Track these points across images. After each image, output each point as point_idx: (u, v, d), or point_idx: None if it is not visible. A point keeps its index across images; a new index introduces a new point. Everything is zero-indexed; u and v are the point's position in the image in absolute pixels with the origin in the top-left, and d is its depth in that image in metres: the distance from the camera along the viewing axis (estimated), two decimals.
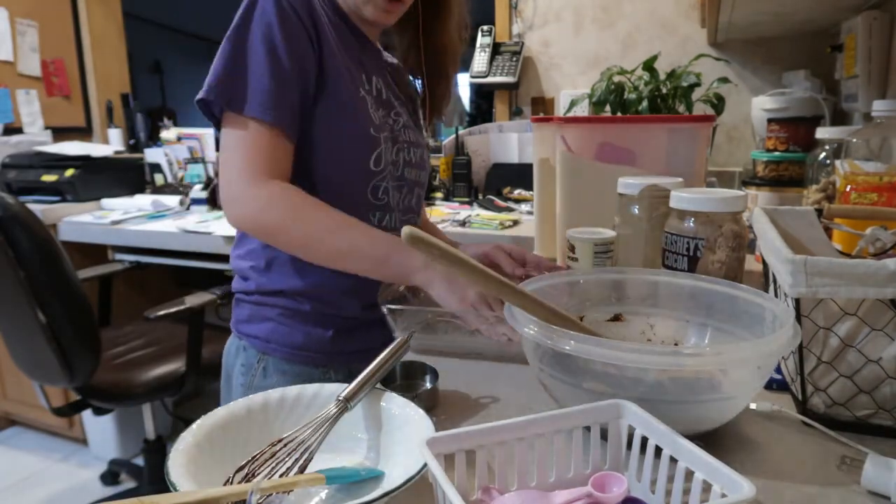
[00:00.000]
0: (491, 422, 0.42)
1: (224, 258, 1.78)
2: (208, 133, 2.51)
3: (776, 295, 0.61)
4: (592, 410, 0.44)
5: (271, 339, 0.87)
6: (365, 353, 0.79)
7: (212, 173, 2.33)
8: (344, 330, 0.88)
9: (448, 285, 0.71)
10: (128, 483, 2.08)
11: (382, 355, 0.60)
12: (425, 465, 0.37)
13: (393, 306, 0.75)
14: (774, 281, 0.61)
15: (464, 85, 2.62)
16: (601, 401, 0.45)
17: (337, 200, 0.79)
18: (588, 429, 0.45)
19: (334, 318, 0.87)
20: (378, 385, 0.58)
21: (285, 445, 0.48)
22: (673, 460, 0.40)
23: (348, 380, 0.85)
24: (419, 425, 0.52)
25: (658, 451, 0.42)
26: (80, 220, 2.02)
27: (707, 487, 0.37)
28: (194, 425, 0.52)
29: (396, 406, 0.56)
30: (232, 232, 1.72)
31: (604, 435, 0.45)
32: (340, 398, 0.54)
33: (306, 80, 0.78)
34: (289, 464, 0.47)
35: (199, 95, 0.76)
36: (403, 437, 0.53)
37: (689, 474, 0.38)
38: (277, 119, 0.75)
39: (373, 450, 0.55)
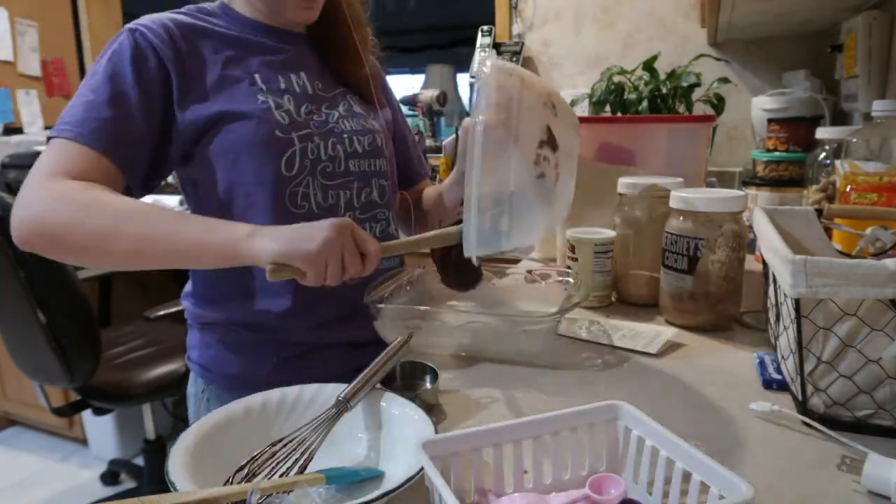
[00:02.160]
0: (490, 422, 0.42)
1: None
2: None
3: (776, 294, 0.61)
4: (589, 412, 0.44)
5: (212, 368, 0.83)
6: (313, 381, 0.71)
7: None
8: (292, 357, 0.81)
9: (291, 234, 0.62)
10: (128, 483, 2.08)
11: (382, 355, 0.60)
12: (423, 467, 0.37)
13: (380, 304, 0.75)
14: (774, 281, 0.61)
15: (464, 85, 2.62)
16: (598, 402, 0.45)
17: (250, 219, 0.74)
18: (585, 430, 0.44)
19: (279, 345, 0.80)
20: (378, 385, 0.58)
21: (285, 445, 0.48)
22: (670, 461, 0.40)
23: None
24: (419, 426, 0.52)
25: (655, 452, 0.41)
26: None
27: (705, 489, 0.37)
28: (194, 426, 0.52)
29: (396, 406, 0.56)
30: None
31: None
32: (340, 398, 0.54)
33: (153, 116, 0.74)
34: (289, 464, 0.47)
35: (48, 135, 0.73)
36: (403, 437, 0.53)
37: (687, 476, 0.38)
38: (97, 144, 0.69)
39: (373, 450, 0.55)
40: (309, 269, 0.61)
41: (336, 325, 0.83)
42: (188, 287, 0.86)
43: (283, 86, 0.81)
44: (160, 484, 1.87)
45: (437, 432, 0.50)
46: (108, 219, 0.65)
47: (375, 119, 0.90)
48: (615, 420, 0.44)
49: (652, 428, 0.41)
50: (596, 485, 0.41)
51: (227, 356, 0.82)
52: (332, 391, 0.58)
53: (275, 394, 0.58)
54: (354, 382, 0.56)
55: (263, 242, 0.62)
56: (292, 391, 0.59)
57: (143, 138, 0.74)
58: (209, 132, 0.76)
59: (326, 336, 0.82)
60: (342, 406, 0.53)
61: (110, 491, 2.06)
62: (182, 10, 0.82)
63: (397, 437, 0.54)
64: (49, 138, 0.72)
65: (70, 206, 0.65)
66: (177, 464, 0.46)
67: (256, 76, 0.80)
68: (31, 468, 2.19)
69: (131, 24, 0.76)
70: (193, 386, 0.86)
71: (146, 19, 0.77)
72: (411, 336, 0.64)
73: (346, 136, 0.84)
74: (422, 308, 0.75)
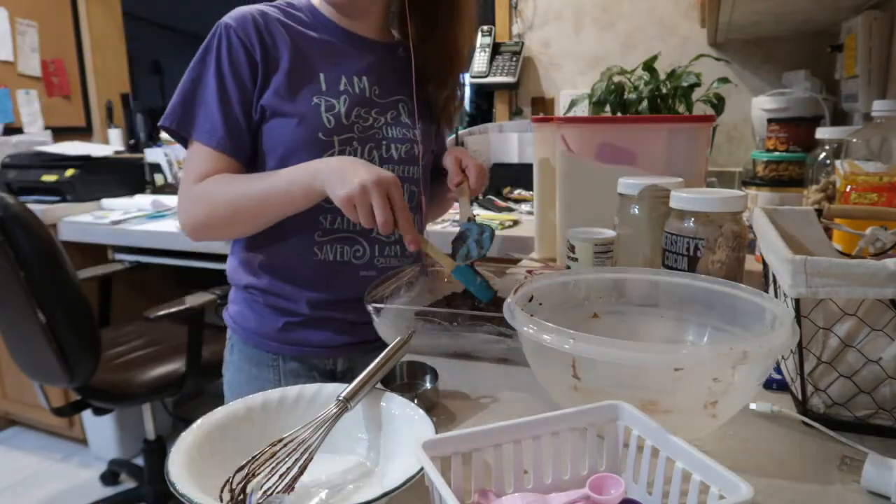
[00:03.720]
0: (491, 422, 0.42)
1: (224, 258, 1.78)
2: None
3: (776, 295, 0.61)
4: (589, 412, 0.44)
5: (237, 322, 0.97)
6: (315, 347, 0.94)
7: None
8: (293, 324, 0.93)
9: (340, 171, 0.76)
10: (128, 483, 2.09)
11: (382, 355, 0.59)
12: (423, 467, 0.37)
13: (378, 305, 0.76)
14: (774, 281, 0.61)
15: (465, 85, 2.62)
16: (598, 402, 0.45)
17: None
18: (585, 430, 0.44)
19: (284, 312, 0.93)
20: (378, 385, 0.58)
21: (285, 445, 0.48)
22: (670, 461, 0.40)
23: (299, 369, 0.95)
24: (419, 426, 0.52)
25: (655, 452, 0.41)
26: (80, 220, 2.02)
27: (705, 489, 0.37)
28: (194, 425, 0.52)
29: (397, 406, 0.56)
30: None
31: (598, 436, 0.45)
32: (340, 398, 0.54)
33: (250, 105, 0.88)
34: (289, 464, 0.47)
35: (160, 122, 0.88)
36: (403, 437, 0.52)
37: (687, 476, 0.38)
38: (221, 145, 0.86)
39: (373, 450, 0.55)
40: (341, 207, 0.74)
41: (334, 306, 0.93)
42: (231, 251, 1.00)
43: (342, 87, 0.90)
44: (160, 484, 1.88)
45: (437, 432, 0.50)
46: (228, 207, 0.84)
47: (420, 131, 0.97)
48: (615, 420, 0.44)
49: (652, 428, 0.41)
50: (596, 485, 0.41)
51: (251, 313, 0.95)
52: (332, 391, 0.58)
53: (275, 393, 0.58)
54: (355, 382, 0.56)
55: (323, 178, 0.77)
56: (292, 391, 0.59)
57: (244, 130, 0.88)
58: (263, 122, 0.88)
59: (319, 313, 0.92)
60: (342, 406, 0.53)
61: (110, 491, 2.06)
62: (273, 3, 0.92)
63: (397, 437, 0.54)
64: (178, 133, 0.89)
65: (204, 207, 0.86)
66: (177, 464, 0.46)
67: (321, 76, 0.89)
68: (32, 468, 2.19)
69: (225, 20, 0.87)
70: (228, 332, 1.01)
71: (236, 14, 0.87)
72: (411, 336, 0.64)
73: (384, 142, 0.93)
74: (422, 308, 0.75)
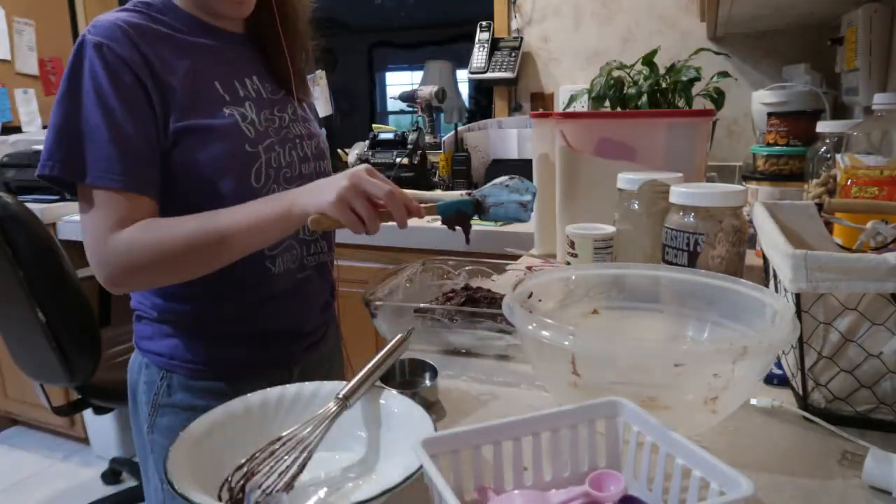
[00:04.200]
0: (490, 420, 0.42)
1: None
2: None
3: (776, 290, 0.61)
4: (588, 408, 0.43)
5: (175, 356, 0.83)
6: (279, 362, 0.88)
7: None
8: (258, 343, 0.85)
9: (317, 188, 0.70)
10: (129, 482, 2.09)
11: (382, 352, 0.59)
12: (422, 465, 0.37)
13: (377, 302, 0.76)
14: (775, 276, 0.61)
15: (462, 81, 2.62)
16: (598, 399, 0.44)
17: None
18: (584, 427, 0.44)
19: (247, 335, 0.84)
20: (378, 382, 0.58)
21: (284, 444, 0.48)
22: (670, 457, 0.40)
23: (258, 386, 0.83)
24: (419, 423, 0.52)
25: (655, 448, 0.41)
26: (79, 220, 2.01)
27: (705, 485, 0.37)
28: (193, 424, 0.52)
29: (396, 404, 0.56)
30: None
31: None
32: (339, 396, 0.53)
33: (149, 130, 0.74)
34: (288, 462, 0.47)
35: (38, 172, 0.73)
36: (403, 434, 0.52)
37: (687, 472, 0.38)
38: (125, 183, 0.72)
39: (372, 448, 0.55)
40: (339, 216, 0.68)
41: (292, 313, 0.88)
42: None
43: (241, 93, 0.81)
44: (160, 483, 1.88)
45: (436, 430, 0.50)
46: (183, 247, 0.72)
47: (314, 121, 0.93)
48: (615, 417, 0.44)
49: (651, 424, 0.41)
50: (596, 481, 0.41)
51: (196, 343, 0.83)
52: (331, 389, 0.58)
53: (274, 392, 0.58)
54: (354, 380, 0.55)
55: (304, 201, 0.70)
56: (291, 389, 0.59)
57: (147, 160, 0.74)
58: (179, 144, 0.76)
59: (287, 323, 0.87)
60: (341, 404, 0.53)
61: (112, 490, 2.06)
62: (130, 6, 0.79)
63: (397, 434, 0.54)
64: (65, 185, 0.75)
65: (146, 251, 0.72)
66: (176, 462, 0.46)
67: (216, 84, 0.79)
68: (33, 467, 2.20)
69: (92, 38, 0.72)
70: (146, 374, 0.85)
71: (103, 28, 0.72)
72: (410, 333, 0.63)
73: (297, 140, 0.86)
74: (420, 305, 0.75)
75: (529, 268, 0.90)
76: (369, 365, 0.57)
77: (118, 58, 0.72)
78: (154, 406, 0.85)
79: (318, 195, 0.69)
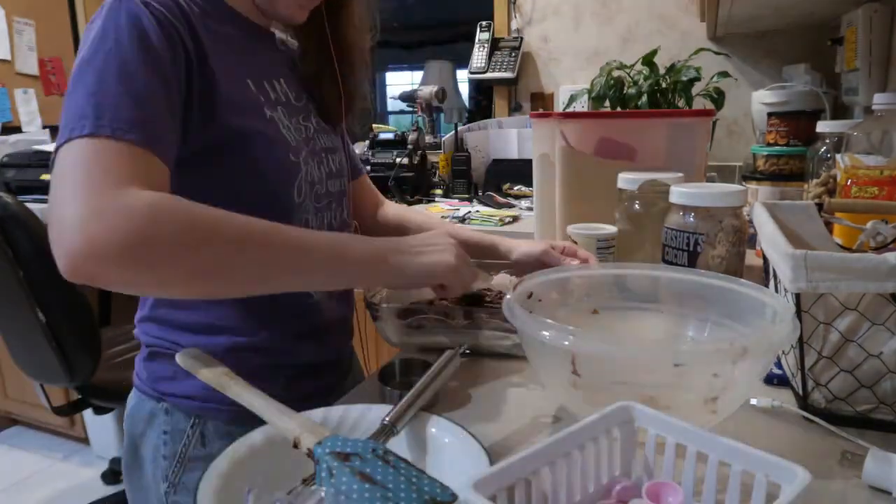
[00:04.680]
0: (490, 419, 0.41)
1: None
2: None
3: (776, 290, 0.61)
4: (603, 419, 0.41)
5: (209, 399, 0.68)
6: (321, 394, 0.73)
7: None
8: (296, 376, 0.75)
9: (418, 251, 0.61)
10: None
11: (429, 372, 0.55)
12: None
13: (375, 302, 0.74)
14: (775, 276, 0.61)
15: (462, 81, 2.62)
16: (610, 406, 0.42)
17: None
18: (603, 438, 0.42)
19: (285, 368, 0.74)
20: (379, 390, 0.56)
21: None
22: (702, 456, 0.38)
23: (349, 397, 0.78)
24: (473, 460, 0.46)
25: (682, 449, 0.39)
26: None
27: (749, 478, 0.35)
28: (228, 450, 0.47)
29: (448, 434, 0.50)
30: None
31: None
32: (385, 422, 0.49)
33: (177, 102, 0.59)
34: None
35: (59, 141, 0.53)
36: (455, 471, 0.47)
37: (726, 467, 0.36)
38: (143, 139, 0.53)
39: None
40: (454, 279, 0.62)
41: (334, 340, 0.82)
42: (156, 312, 0.72)
43: (272, 96, 0.72)
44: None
45: (490, 461, 0.46)
46: (227, 242, 0.51)
47: (336, 133, 0.85)
48: (631, 422, 0.42)
49: (672, 424, 0.39)
50: (653, 493, 0.39)
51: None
52: (377, 413, 0.52)
53: (317, 414, 0.53)
54: (400, 404, 0.51)
55: (406, 258, 0.60)
56: (335, 412, 0.53)
57: (170, 126, 0.58)
58: (227, 146, 0.65)
59: (328, 355, 0.80)
60: (387, 431, 0.48)
61: (112, 490, 2.06)
62: None
63: (448, 470, 0.47)
64: (82, 135, 0.52)
65: (176, 225, 0.49)
66: (207, 494, 0.42)
67: (249, 82, 0.69)
68: (33, 467, 2.20)
69: None
70: (165, 422, 0.71)
71: None
72: (459, 350, 0.60)
73: (324, 154, 0.78)
74: (422, 307, 0.74)
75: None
76: (416, 386, 0.53)
77: (158, 21, 0.58)
78: (181, 460, 0.71)
79: (428, 261, 0.61)
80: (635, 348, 0.46)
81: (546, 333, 0.48)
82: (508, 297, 0.56)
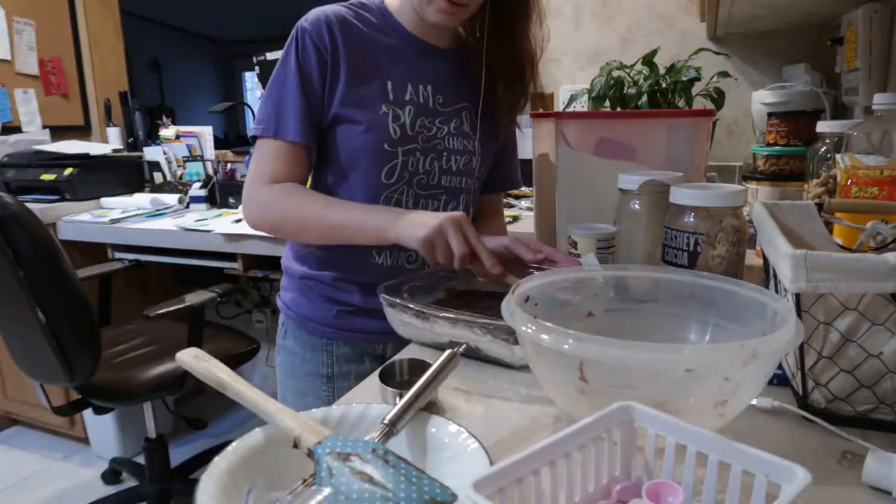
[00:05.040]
0: (490, 420, 0.41)
1: (223, 256, 1.78)
2: (207, 131, 2.51)
3: (776, 290, 0.61)
4: (603, 418, 0.41)
5: (291, 308, 1.01)
6: (368, 333, 0.99)
7: (210, 171, 2.32)
8: (346, 312, 0.98)
9: (415, 222, 0.79)
10: (129, 482, 2.09)
11: (428, 373, 0.56)
12: None
13: (387, 296, 0.76)
14: (775, 276, 0.61)
15: None
16: (610, 406, 0.42)
17: None
18: (604, 437, 0.42)
19: (337, 302, 0.98)
20: (388, 391, 0.56)
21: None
22: (702, 456, 0.38)
23: (351, 353, 0.98)
24: (473, 459, 0.47)
25: (682, 449, 0.39)
26: (79, 219, 2.02)
27: (749, 479, 0.35)
28: (229, 448, 0.47)
29: (448, 434, 0.51)
30: (231, 230, 1.72)
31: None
32: (385, 422, 0.50)
33: (320, 106, 0.90)
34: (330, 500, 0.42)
35: (251, 132, 0.93)
36: (454, 470, 0.47)
37: (725, 467, 0.36)
38: (299, 137, 0.89)
39: None
40: (420, 250, 0.79)
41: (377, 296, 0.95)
42: (288, 242, 1.06)
43: (408, 96, 0.92)
44: (161, 482, 1.88)
45: (490, 462, 0.46)
46: (299, 222, 0.90)
47: (481, 141, 0.99)
48: (631, 422, 0.42)
49: (672, 424, 0.39)
50: (653, 493, 0.39)
51: (306, 300, 1.00)
52: (378, 413, 0.53)
53: (317, 414, 0.54)
54: (400, 404, 0.51)
55: (398, 230, 0.81)
56: (336, 411, 0.54)
57: (316, 128, 0.91)
58: (332, 126, 0.91)
59: (369, 303, 0.95)
60: (387, 430, 0.49)
61: (112, 490, 2.06)
62: (345, 3, 0.94)
63: (447, 470, 0.48)
64: (253, 137, 0.93)
65: (276, 213, 0.91)
66: (208, 493, 0.43)
67: (388, 83, 0.90)
68: (33, 467, 2.20)
69: (300, 23, 0.90)
70: (281, 316, 1.05)
71: (312, 16, 0.89)
72: (458, 350, 0.60)
73: (445, 153, 0.95)
74: (424, 308, 0.73)
75: (531, 270, 0.90)
76: (416, 387, 0.53)
77: (313, 43, 0.88)
78: (278, 346, 1.05)
79: (413, 229, 0.79)
80: (647, 353, 0.44)
81: (549, 338, 0.47)
82: (508, 300, 0.55)
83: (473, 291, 0.88)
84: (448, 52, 0.97)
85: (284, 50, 0.90)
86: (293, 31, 0.90)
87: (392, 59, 0.92)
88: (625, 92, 1.61)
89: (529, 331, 0.49)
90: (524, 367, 0.69)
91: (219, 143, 2.61)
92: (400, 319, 0.76)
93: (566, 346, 0.46)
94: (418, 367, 0.66)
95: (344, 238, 0.89)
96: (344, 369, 0.99)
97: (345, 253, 0.95)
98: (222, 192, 2.13)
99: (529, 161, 1.18)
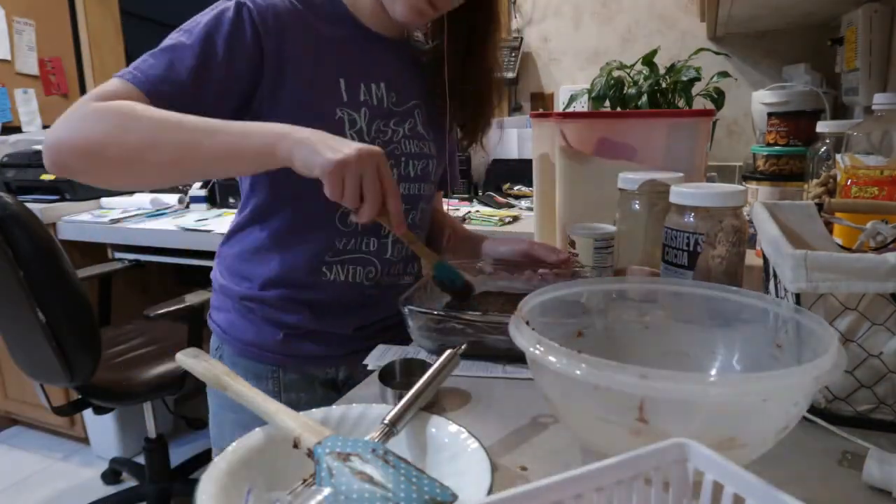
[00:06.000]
0: (489, 422, 0.41)
1: None
2: None
3: (776, 290, 0.61)
4: (652, 454, 0.36)
5: (228, 331, 0.88)
6: (318, 358, 0.87)
7: None
8: (293, 336, 0.86)
9: (314, 140, 0.63)
10: (129, 482, 2.09)
11: (429, 373, 0.55)
12: None
13: (412, 307, 0.72)
14: (775, 276, 0.61)
15: None
16: (662, 441, 0.36)
17: (303, 232, 0.83)
18: (650, 478, 0.36)
19: (283, 325, 0.86)
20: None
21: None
22: None
23: (300, 381, 0.88)
24: (472, 460, 0.47)
25: (740, 500, 0.33)
26: (79, 219, 2.01)
27: None
28: (229, 449, 0.47)
29: (448, 434, 0.50)
30: None
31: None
32: (385, 422, 0.49)
33: (228, 93, 0.74)
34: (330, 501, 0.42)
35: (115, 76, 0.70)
36: (454, 470, 0.47)
37: None
38: (158, 102, 0.67)
39: None
40: (326, 180, 0.62)
41: (340, 314, 0.87)
42: (221, 254, 0.91)
43: (362, 97, 0.81)
44: (162, 483, 1.88)
45: (490, 461, 0.46)
46: (145, 130, 0.64)
47: (434, 142, 0.91)
48: (684, 461, 0.36)
49: (731, 470, 0.34)
50: None
51: (245, 322, 0.87)
52: (377, 413, 0.53)
53: (317, 414, 0.53)
54: (400, 404, 0.51)
55: (294, 150, 0.63)
56: (336, 411, 0.54)
57: (211, 105, 0.72)
58: None
59: (323, 325, 0.86)
60: (387, 431, 0.48)
61: (112, 490, 2.06)
62: None
63: (446, 469, 0.48)
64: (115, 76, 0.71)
65: (107, 121, 0.64)
66: (208, 493, 0.42)
67: (341, 82, 0.79)
68: (33, 467, 2.20)
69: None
70: (212, 341, 0.92)
71: None
72: (458, 350, 0.60)
73: (403, 158, 0.86)
74: (449, 313, 0.71)
75: (542, 275, 0.89)
76: (417, 386, 0.53)
77: (251, 21, 0.72)
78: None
79: (318, 152, 0.62)
80: (719, 386, 0.40)
81: (605, 374, 0.40)
82: (520, 326, 0.49)
83: (487, 293, 0.86)
84: (397, 42, 0.88)
85: (213, 16, 0.72)
86: (231, 2, 0.73)
87: (343, 53, 0.81)
88: (625, 92, 1.61)
89: (579, 371, 0.41)
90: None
91: None
92: (425, 333, 0.72)
93: (627, 385, 0.40)
94: (418, 366, 0.66)
95: (209, 158, 0.66)
96: (293, 398, 0.86)
97: (289, 268, 0.83)
98: (222, 192, 2.13)
99: (530, 161, 1.18)
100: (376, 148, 0.65)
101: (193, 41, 0.71)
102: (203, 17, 0.73)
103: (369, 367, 0.72)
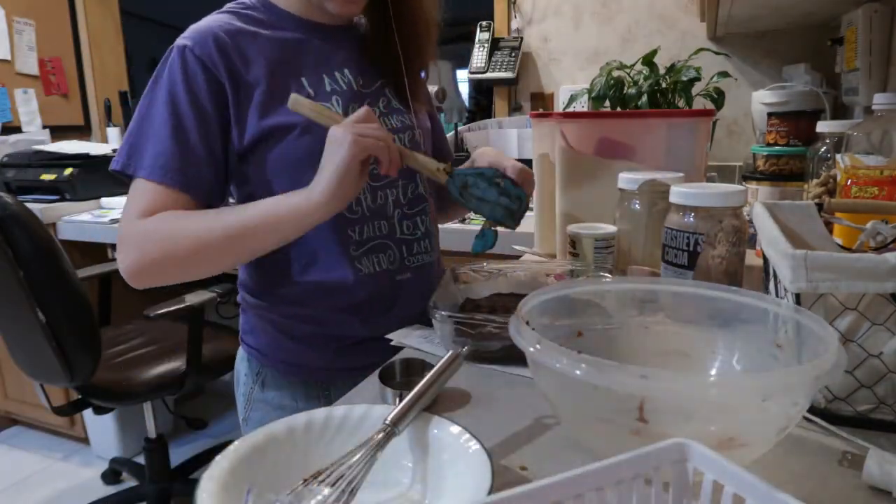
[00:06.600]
0: (488, 422, 0.41)
1: None
2: None
3: (776, 290, 0.61)
4: (652, 454, 0.36)
5: (269, 354, 0.87)
6: (370, 368, 0.77)
7: None
8: (344, 348, 0.86)
9: (326, 159, 0.70)
10: (129, 482, 2.09)
11: (431, 373, 0.55)
12: None
13: (445, 313, 0.70)
14: (775, 276, 0.61)
15: (462, 81, 2.61)
16: (661, 442, 0.36)
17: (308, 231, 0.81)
18: (650, 477, 0.36)
19: (334, 338, 0.85)
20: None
21: (321, 482, 0.44)
22: None
23: (350, 396, 0.83)
24: (473, 461, 0.46)
25: (739, 501, 0.34)
26: (79, 219, 2.01)
27: None
28: (230, 448, 0.47)
29: (449, 435, 0.50)
30: None
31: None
32: (387, 422, 0.49)
33: (214, 134, 0.78)
34: (330, 501, 0.43)
35: (111, 167, 0.79)
36: (455, 471, 0.47)
37: None
38: (173, 179, 0.75)
39: (419, 481, 0.50)
40: (359, 168, 0.70)
41: (382, 318, 0.86)
42: (243, 276, 0.90)
43: (328, 87, 0.82)
44: (162, 482, 1.88)
45: (491, 462, 0.45)
46: (193, 241, 0.73)
47: (414, 114, 0.91)
48: (683, 461, 0.36)
49: (731, 471, 0.34)
50: None
51: (290, 342, 0.85)
52: (381, 412, 0.53)
53: (320, 413, 0.53)
54: (402, 404, 0.51)
55: (318, 189, 0.70)
56: (338, 411, 0.54)
57: (204, 161, 0.77)
58: (261, 146, 0.79)
59: (372, 332, 0.84)
60: (389, 431, 0.49)
61: (112, 490, 2.06)
62: (225, 9, 0.83)
63: (448, 470, 0.48)
64: (125, 174, 0.78)
65: (159, 244, 0.73)
66: (208, 492, 0.42)
67: (304, 80, 0.81)
68: (33, 467, 2.20)
69: (179, 41, 0.77)
70: (246, 366, 0.90)
71: (193, 32, 0.78)
72: (461, 352, 0.59)
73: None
74: (476, 317, 0.70)
75: (552, 275, 0.88)
76: (418, 387, 0.53)
77: (198, 60, 0.76)
78: (248, 399, 0.89)
79: (335, 160, 0.69)
80: (719, 386, 0.40)
81: (604, 375, 0.40)
82: (517, 320, 0.50)
83: (499, 294, 0.84)
84: (345, 29, 0.89)
85: (155, 75, 0.77)
86: (168, 53, 0.77)
87: (298, 53, 0.82)
88: (625, 92, 1.61)
89: (579, 371, 0.41)
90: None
91: None
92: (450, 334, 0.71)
93: (628, 385, 0.40)
94: (417, 366, 0.66)
95: (256, 239, 0.74)
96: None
97: (323, 276, 0.82)
98: None
99: (530, 161, 1.18)
100: (358, 112, 0.71)
101: (161, 109, 0.76)
102: (160, 79, 0.77)
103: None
